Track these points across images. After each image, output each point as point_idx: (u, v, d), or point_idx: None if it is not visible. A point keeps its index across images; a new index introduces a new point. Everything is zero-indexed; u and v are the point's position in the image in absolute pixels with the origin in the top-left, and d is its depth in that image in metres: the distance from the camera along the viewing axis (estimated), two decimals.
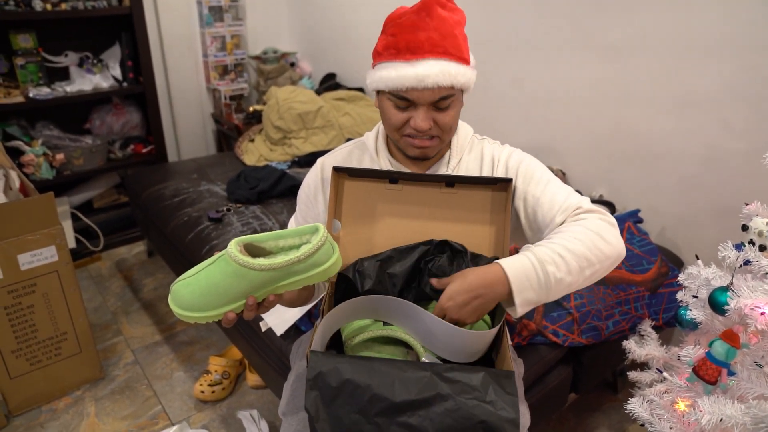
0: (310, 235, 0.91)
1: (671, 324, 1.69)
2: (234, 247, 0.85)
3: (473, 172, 1.13)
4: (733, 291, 1.07)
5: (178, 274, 2.29)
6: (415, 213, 1.08)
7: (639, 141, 1.94)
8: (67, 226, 2.68)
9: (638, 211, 1.95)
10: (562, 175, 2.21)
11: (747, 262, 1.09)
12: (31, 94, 2.53)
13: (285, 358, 1.55)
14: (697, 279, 1.23)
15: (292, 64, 3.46)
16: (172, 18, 3.06)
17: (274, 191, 2.36)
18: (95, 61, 2.77)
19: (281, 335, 1.59)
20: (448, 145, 1.14)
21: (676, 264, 1.86)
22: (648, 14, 1.79)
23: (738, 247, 1.12)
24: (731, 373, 1.08)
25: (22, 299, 1.78)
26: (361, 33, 3.00)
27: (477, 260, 1.02)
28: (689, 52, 1.72)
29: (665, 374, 1.22)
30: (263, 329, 1.63)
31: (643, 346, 1.41)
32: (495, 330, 0.96)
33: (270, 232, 0.91)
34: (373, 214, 1.08)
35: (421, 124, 1.01)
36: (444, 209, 1.08)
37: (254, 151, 2.83)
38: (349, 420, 0.84)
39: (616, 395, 1.97)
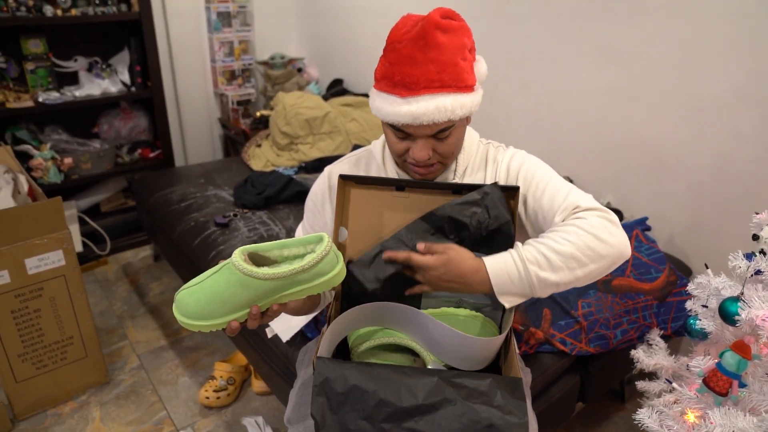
0: (315, 244, 0.91)
1: (680, 333, 1.68)
2: (238, 256, 0.85)
3: (478, 176, 1.12)
4: (743, 301, 1.06)
5: (185, 279, 2.30)
6: None
7: (647, 148, 1.92)
8: (74, 230, 2.69)
9: (646, 218, 1.93)
10: (570, 182, 2.20)
11: (758, 272, 1.08)
12: (40, 99, 2.55)
13: (291, 365, 1.54)
14: (707, 288, 1.22)
15: (300, 70, 3.47)
16: (181, 23, 3.08)
17: (281, 197, 2.36)
18: (104, 66, 2.79)
19: (287, 342, 1.59)
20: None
21: (684, 273, 1.84)
22: (657, 21, 1.78)
23: (749, 256, 1.11)
24: (742, 385, 1.07)
25: (29, 303, 1.79)
26: (368, 39, 3.01)
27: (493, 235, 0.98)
28: (698, 59, 1.72)
29: (675, 384, 1.21)
30: (269, 336, 1.63)
31: (652, 355, 1.40)
32: (502, 337, 0.96)
33: (274, 242, 0.91)
34: (380, 222, 1.07)
35: (419, 156, 1.00)
36: None
37: (261, 157, 2.83)
38: (355, 426, 0.84)
39: (623, 405, 1.95)
